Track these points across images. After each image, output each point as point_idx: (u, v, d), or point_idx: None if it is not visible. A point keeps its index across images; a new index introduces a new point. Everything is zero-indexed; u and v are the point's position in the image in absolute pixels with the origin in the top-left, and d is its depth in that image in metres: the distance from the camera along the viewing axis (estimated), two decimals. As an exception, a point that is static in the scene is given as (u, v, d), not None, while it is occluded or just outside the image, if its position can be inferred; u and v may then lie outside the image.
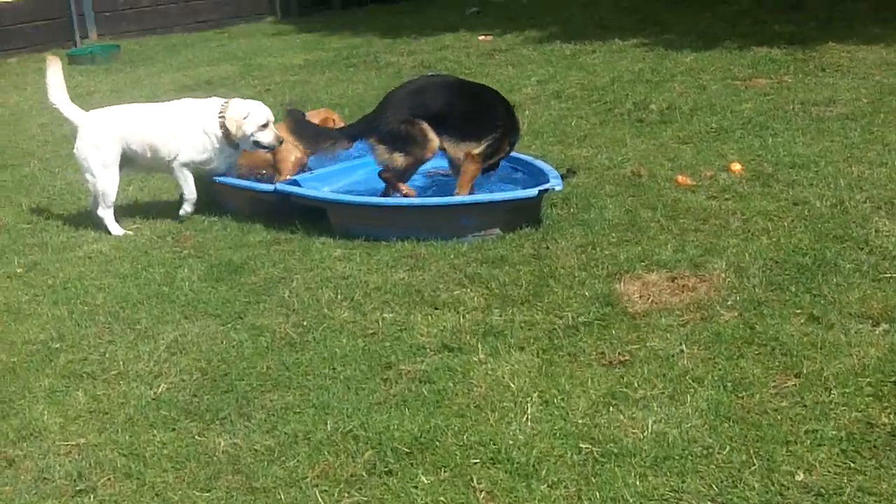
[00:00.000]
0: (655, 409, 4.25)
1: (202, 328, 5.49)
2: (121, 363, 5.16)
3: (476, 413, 4.37)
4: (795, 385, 4.33)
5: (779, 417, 4.11)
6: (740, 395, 4.29)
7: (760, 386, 4.35)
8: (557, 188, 6.41)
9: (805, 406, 4.17)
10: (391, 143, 6.77)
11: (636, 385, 4.44)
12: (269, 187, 7.07)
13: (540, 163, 7.06)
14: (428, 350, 4.97)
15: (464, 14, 16.04)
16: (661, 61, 11.22)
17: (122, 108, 7.50)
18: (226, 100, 7.32)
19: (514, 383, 4.57)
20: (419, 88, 7.09)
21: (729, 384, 4.38)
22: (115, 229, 7.16)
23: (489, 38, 13.87)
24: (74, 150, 7.25)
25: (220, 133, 7.15)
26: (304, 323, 5.41)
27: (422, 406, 4.46)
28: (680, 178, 7.18)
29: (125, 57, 15.21)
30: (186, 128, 7.18)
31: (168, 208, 7.61)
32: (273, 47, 15.04)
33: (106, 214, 7.19)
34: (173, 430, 4.51)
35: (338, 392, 4.66)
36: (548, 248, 6.13)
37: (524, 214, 6.50)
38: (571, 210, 6.76)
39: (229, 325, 5.50)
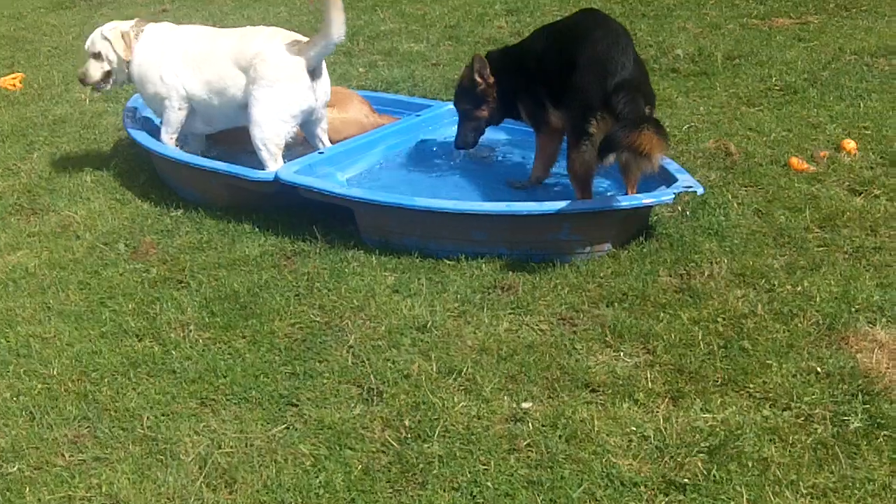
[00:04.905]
0: None
1: (239, 428, 3.45)
2: (130, 513, 3.10)
3: None
4: None
5: None
6: None
7: None
8: (699, 192, 4.57)
9: None
10: None
11: None
12: (268, 174, 4.95)
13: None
14: (642, 488, 3.12)
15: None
16: (643, -11, 9.53)
17: None
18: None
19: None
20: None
21: None
22: None
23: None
24: None
25: None
26: (406, 421, 3.45)
27: None
28: (794, 162, 5.50)
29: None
30: None
31: (103, 190, 5.42)
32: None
33: None
34: None
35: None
36: (690, 275, 4.36)
37: (636, 224, 4.68)
38: (678, 206, 4.98)
39: (282, 424, 3.47)
